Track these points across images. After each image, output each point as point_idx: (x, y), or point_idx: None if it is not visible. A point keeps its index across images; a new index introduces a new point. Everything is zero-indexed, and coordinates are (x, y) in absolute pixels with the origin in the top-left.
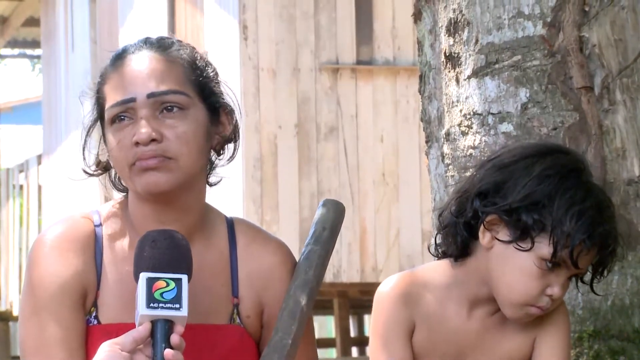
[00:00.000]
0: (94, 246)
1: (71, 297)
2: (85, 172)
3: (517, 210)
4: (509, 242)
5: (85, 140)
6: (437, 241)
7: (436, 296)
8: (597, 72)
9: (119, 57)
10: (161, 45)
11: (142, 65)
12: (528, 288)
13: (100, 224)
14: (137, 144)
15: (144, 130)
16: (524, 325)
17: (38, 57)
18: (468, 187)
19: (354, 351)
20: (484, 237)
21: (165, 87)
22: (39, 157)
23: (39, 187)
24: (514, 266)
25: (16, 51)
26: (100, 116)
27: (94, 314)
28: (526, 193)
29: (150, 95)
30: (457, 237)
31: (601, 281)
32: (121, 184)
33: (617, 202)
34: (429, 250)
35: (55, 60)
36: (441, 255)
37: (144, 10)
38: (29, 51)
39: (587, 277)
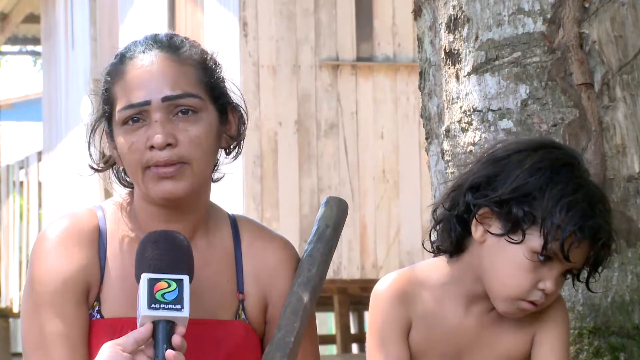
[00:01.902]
0: (98, 241)
1: (74, 293)
2: (92, 168)
3: (507, 202)
4: (501, 234)
5: (90, 138)
6: (433, 237)
7: (433, 294)
8: (597, 68)
9: (129, 56)
10: (172, 45)
11: (155, 67)
12: (520, 281)
13: (105, 219)
14: (151, 147)
15: (159, 134)
16: (522, 322)
17: (38, 53)
18: (461, 181)
19: (354, 348)
20: (477, 231)
21: (179, 91)
22: (39, 154)
23: (39, 184)
24: (506, 259)
25: (17, 48)
26: (108, 114)
27: (97, 309)
28: (517, 185)
29: (166, 99)
30: (451, 233)
31: (597, 279)
32: (126, 179)
33: (617, 199)
34: (423, 246)
35: (55, 57)
36: (436, 251)
37: (144, 8)
38: (29, 47)
39: (585, 275)
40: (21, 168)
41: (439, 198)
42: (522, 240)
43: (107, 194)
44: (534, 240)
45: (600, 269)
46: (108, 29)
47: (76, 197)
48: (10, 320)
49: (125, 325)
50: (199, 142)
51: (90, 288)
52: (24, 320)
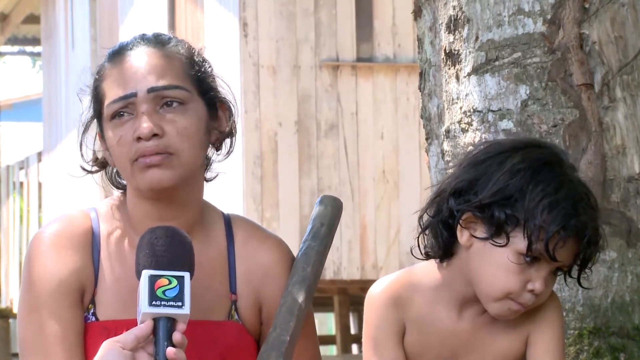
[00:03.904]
0: (92, 243)
1: (69, 295)
2: (84, 169)
3: (489, 206)
4: (485, 239)
5: (82, 137)
6: (421, 243)
7: (426, 298)
8: (597, 69)
9: (117, 54)
10: (159, 41)
11: (142, 61)
12: (508, 284)
13: (98, 221)
14: (139, 139)
15: (145, 125)
16: (516, 323)
17: (38, 54)
18: (444, 187)
19: (354, 348)
20: (462, 236)
21: (165, 82)
22: (39, 154)
23: (39, 184)
24: (493, 263)
25: (16, 48)
26: (98, 113)
27: (92, 311)
28: (497, 188)
29: (151, 90)
30: (439, 238)
31: (588, 275)
32: (118, 181)
33: (617, 199)
34: (412, 253)
35: (55, 57)
36: (425, 257)
37: (144, 8)
38: (29, 48)
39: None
40: (21, 168)
41: (424, 204)
42: (506, 244)
43: (107, 195)
44: (519, 242)
45: (590, 265)
46: (108, 29)
47: (76, 198)
48: (10, 320)
49: (120, 327)
50: (186, 134)
51: (85, 290)
52: (21, 322)
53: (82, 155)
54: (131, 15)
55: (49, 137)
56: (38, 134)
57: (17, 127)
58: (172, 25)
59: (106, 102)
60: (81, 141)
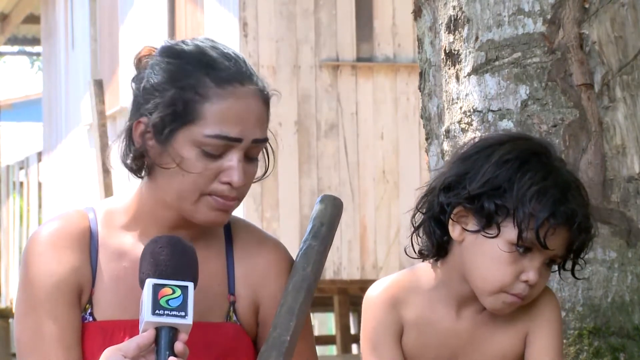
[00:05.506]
0: (89, 243)
1: (66, 294)
2: (129, 169)
3: (479, 197)
4: (477, 231)
5: (132, 131)
6: (415, 242)
7: (424, 299)
8: (597, 69)
9: (226, 81)
10: (257, 82)
11: (252, 106)
12: (501, 275)
13: (96, 221)
14: (226, 183)
15: (240, 177)
16: (515, 321)
17: (37, 54)
18: (435, 184)
19: (354, 348)
20: (454, 231)
21: (264, 135)
22: (39, 154)
23: (39, 184)
24: (485, 255)
25: (15, 48)
26: (174, 118)
27: (89, 311)
28: (486, 179)
29: (255, 142)
30: (431, 236)
31: (583, 266)
32: (139, 172)
33: (617, 199)
34: (406, 253)
35: (55, 57)
36: (419, 256)
37: (144, 8)
38: (28, 48)
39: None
40: (21, 168)
41: (415, 203)
42: (498, 234)
43: (107, 195)
44: (510, 232)
45: (582, 255)
46: (108, 29)
47: (76, 198)
48: (10, 320)
49: (117, 328)
50: (251, 181)
51: (82, 290)
52: (18, 322)
53: (129, 146)
54: (131, 15)
55: (49, 137)
56: (38, 134)
57: (17, 127)
58: (172, 25)
59: (206, 130)
60: (129, 132)
